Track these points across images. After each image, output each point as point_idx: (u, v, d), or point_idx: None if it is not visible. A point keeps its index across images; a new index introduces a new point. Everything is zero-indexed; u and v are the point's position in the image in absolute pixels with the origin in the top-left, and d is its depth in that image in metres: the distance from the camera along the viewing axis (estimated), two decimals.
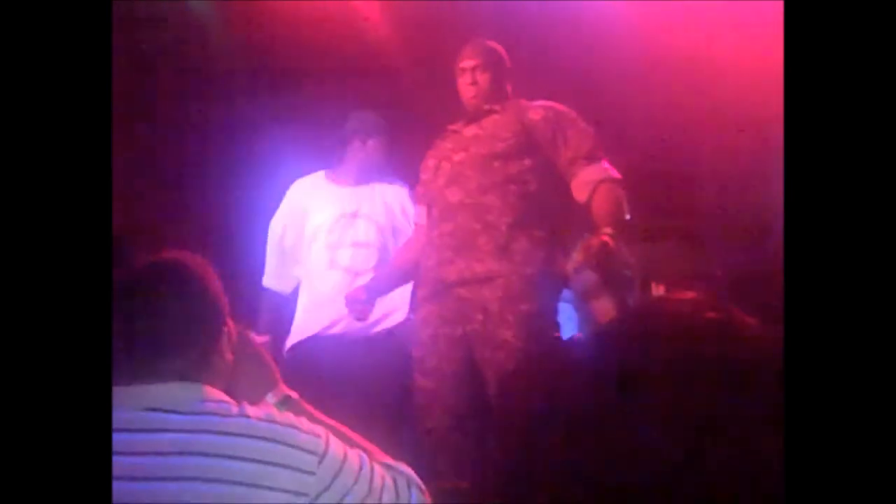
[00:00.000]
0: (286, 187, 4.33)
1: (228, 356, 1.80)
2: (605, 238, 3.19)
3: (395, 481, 1.75)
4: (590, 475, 1.06)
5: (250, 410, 1.68)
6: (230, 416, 1.66)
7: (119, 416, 1.62)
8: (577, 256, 3.51)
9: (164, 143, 5.57)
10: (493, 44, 3.70)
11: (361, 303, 3.63)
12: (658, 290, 4.05)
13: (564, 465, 1.09)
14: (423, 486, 1.78)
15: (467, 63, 3.62)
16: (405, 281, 3.83)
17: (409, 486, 1.76)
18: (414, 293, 3.85)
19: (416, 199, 3.80)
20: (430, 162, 3.66)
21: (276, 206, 4.32)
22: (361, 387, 3.76)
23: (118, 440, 1.60)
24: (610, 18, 5.03)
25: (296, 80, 5.69)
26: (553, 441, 1.10)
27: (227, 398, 1.71)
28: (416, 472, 1.81)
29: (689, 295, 1.10)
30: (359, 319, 3.73)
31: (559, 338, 3.45)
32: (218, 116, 5.75)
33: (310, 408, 1.85)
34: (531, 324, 3.29)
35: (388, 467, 1.77)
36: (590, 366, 1.12)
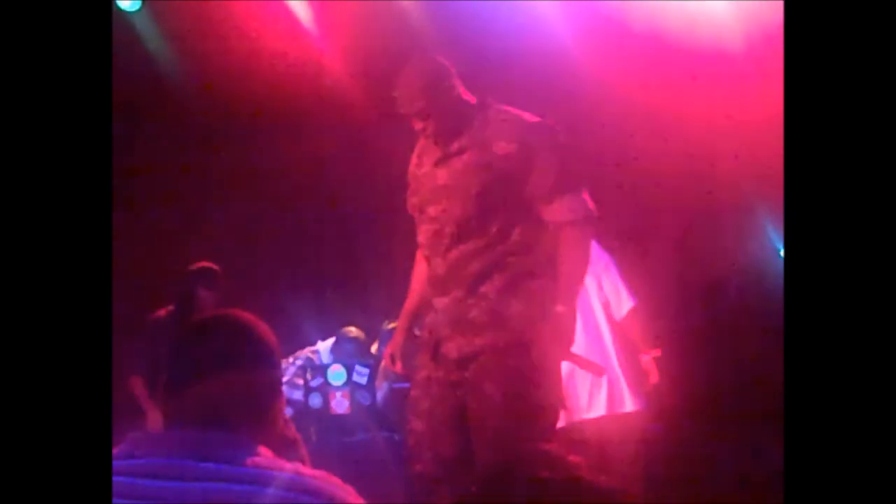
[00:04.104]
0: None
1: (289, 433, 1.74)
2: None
3: None
4: None
5: (301, 468, 1.65)
6: (282, 470, 1.62)
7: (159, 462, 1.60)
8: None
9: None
10: (430, 65, 3.29)
11: (395, 372, 3.61)
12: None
13: None
14: None
15: (407, 108, 3.27)
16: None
17: None
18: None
19: (410, 206, 3.51)
20: (413, 199, 3.45)
21: None
22: None
23: (144, 485, 1.58)
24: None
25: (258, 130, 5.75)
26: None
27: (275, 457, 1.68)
28: None
29: None
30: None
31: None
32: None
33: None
34: (518, 381, 3.23)
35: None
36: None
